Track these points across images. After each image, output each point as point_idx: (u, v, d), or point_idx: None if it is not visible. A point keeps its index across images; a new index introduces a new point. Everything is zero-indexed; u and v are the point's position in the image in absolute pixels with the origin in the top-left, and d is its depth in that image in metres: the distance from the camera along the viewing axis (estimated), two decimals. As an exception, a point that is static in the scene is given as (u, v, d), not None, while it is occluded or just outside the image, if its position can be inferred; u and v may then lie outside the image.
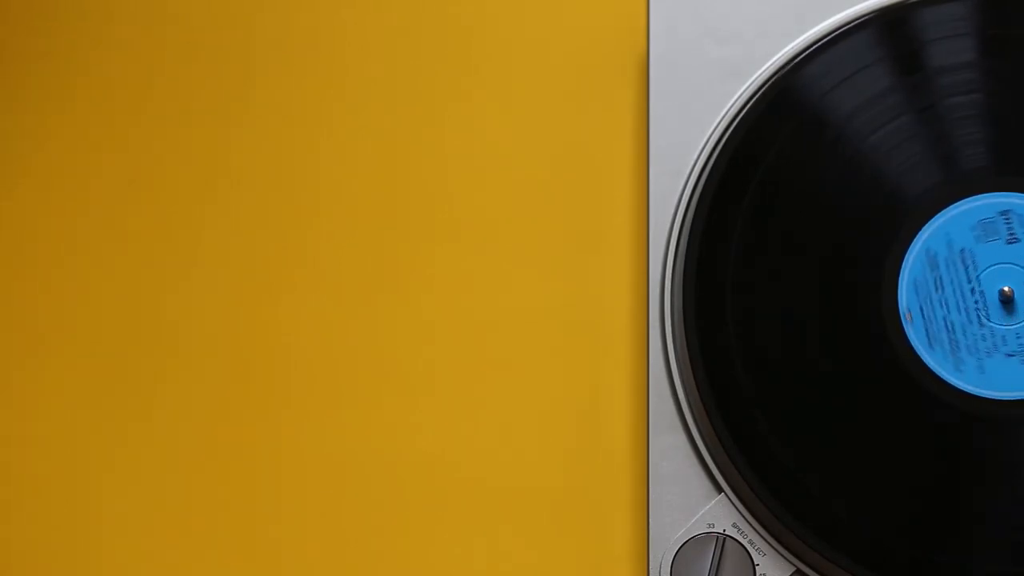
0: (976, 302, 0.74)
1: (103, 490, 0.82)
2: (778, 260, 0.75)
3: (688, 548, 0.75)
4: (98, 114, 0.85)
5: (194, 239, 0.84)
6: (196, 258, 0.84)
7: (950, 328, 0.74)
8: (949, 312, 0.74)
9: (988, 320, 0.74)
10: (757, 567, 0.75)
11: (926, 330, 0.74)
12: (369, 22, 0.85)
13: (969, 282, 0.74)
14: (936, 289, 0.74)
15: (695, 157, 0.78)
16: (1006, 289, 0.74)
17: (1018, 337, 0.74)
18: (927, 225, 0.75)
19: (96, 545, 0.82)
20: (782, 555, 0.75)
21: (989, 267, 0.74)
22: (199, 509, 0.82)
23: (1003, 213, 0.74)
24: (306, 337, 0.82)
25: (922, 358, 0.74)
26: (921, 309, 0.74)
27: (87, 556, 0.82)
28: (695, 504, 0.76)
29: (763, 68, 0.78)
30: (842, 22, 0.77)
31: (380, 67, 0.85)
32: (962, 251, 0.74)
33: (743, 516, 0.75)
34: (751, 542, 0.75)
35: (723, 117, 0.78)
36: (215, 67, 0.85)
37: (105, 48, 0.86)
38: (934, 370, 0.74)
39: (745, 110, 0.77)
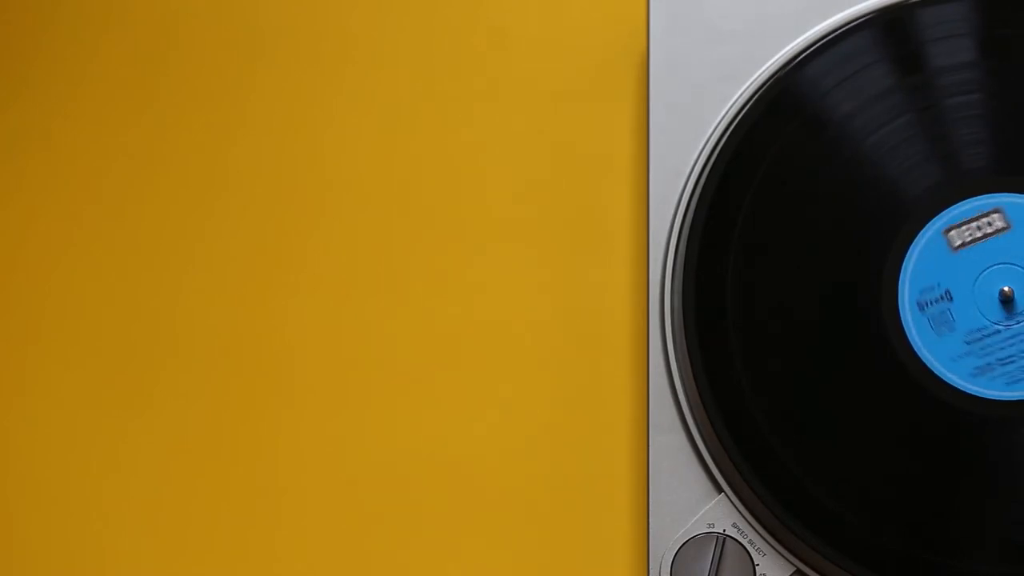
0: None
1: (104, 491, 0.82)
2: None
3: (688, 548, 0.75)
4: (99, 113, 0.85)
5: (195, 238, 0.84)
6: (197, 257, 0.84)
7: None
8: None
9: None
10: (757, 567, 0.75)
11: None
12: (369, 24, 0.85)
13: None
14: None
15: (695, 157, 0.78)
16: (1006, 289, 0.74)
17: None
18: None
19: (97, 546, 0.82)
20: (782, 555, 0.75)
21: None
22: (199, 508, 0.82)
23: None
24: (306, 337, 0.82)
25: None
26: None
27: (88, 557, 0.82)
28: (695, 504, 0.76)
29: (763, 68, 0.78)
30: (842, 22, 0.77)
31: (379, 69, 0.85)
32: None
33: (743, 516, 0.75)
34: (751, 542, 0.75)
35: (723, 117, 0.77)
36: (217, 67, 0.85)
37: (106, 48, 0.86)
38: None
39: (745, 110, 0.77)
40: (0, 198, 0.85)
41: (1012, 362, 0.74)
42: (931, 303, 0.74)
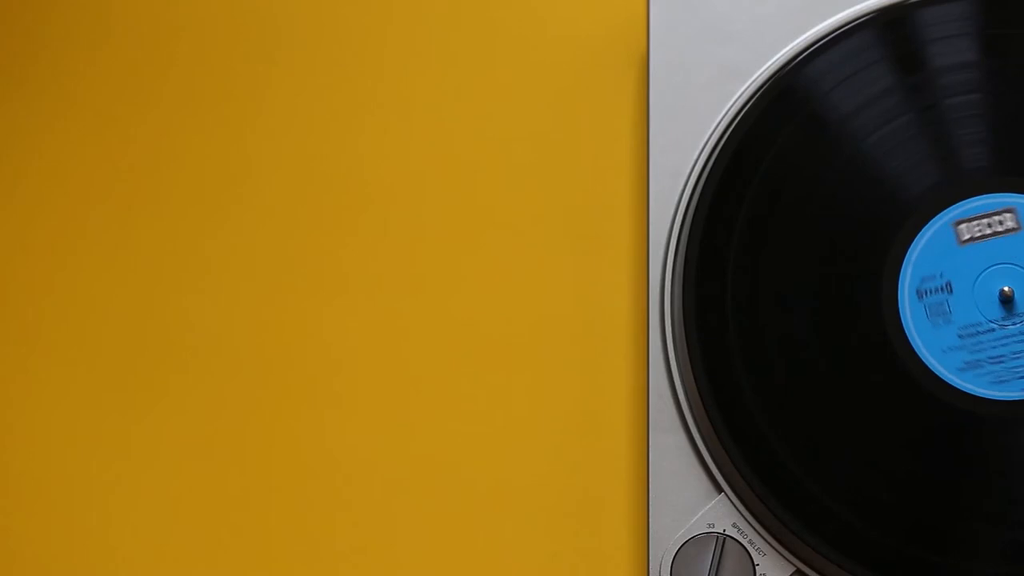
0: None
1: (109, 493, 0.82)
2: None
3: (688, 548, 0.75)
4: (103, 111, 0.85)
5: (200, 238, 0.84)
6: (202, 258, 0.83)
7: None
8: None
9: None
10: (757, 567, 0.75)
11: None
12: (370, 24, 0.85)
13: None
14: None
15: (695, 157, 0.78)
16: (1006, 289, 0.74)
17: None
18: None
19: (101, 549, 0.82)
20: (782, 555, 0.75)
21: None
22: (203, 510, 0.81)
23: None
24: (308, 338, 0.82)
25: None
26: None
27: (92, 559, 0.82)
28: (695, 504, 0.76)
29: (763, 68, 0.78)
30: (842, 22, 0.77)
31: (379, 69, 0.85)
32: None
33: (743, 516, 0.75)
34: (751, 542, 0.75)
35: (723, 117, 0.78)
36: (223, 64, 0.85)
37: (111, 44, 0.86)
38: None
39: (745, 110, 0.77)
40: (0, 198, 0.85)
41: (1001, 362, 0.74)
42: (930, 292, 0.74)
